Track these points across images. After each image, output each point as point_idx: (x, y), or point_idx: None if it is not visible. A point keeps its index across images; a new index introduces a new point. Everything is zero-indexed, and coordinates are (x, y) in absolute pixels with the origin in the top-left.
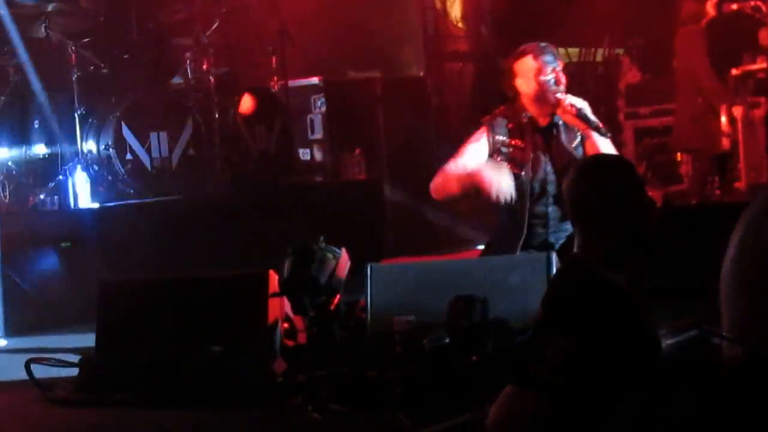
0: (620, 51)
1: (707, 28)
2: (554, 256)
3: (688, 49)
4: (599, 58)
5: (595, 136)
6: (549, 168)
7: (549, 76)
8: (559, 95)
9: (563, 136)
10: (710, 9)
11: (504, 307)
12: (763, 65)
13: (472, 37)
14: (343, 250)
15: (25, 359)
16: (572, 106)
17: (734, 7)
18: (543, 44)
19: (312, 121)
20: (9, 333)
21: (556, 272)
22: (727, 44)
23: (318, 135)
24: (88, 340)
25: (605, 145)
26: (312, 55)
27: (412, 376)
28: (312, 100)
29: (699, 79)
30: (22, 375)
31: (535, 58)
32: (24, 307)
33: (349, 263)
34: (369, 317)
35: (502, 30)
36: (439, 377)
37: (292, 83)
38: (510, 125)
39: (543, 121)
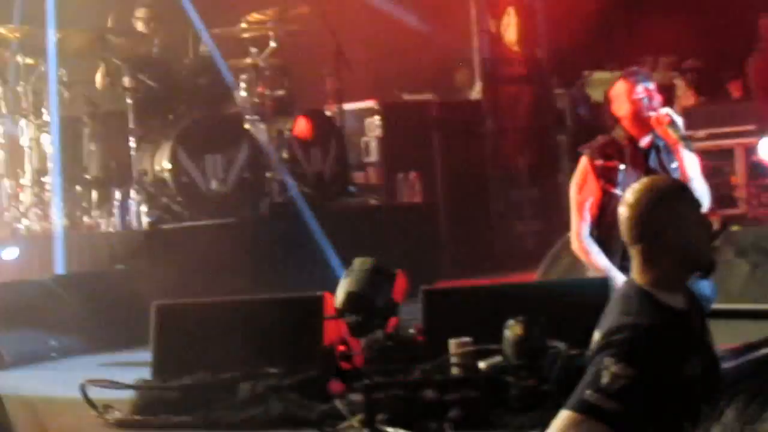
0: (675, 74)
1: None
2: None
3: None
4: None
5: (683, 151)
6: None
7: (641, 95)
8: (652, 112)
9: (663, 156)
10: None
11: (563, 330)
12: None
13: (528, 61)
14: (399, 272)
15: (81, 380)
16: (667, 115)
17: None
18: (634, 68)
19: (367, 143)
20: (63, 353)
21: (614, 296)
22: None
23: (373, 158)
24: (142, 362)
25: (692, 162)
26: (368, 78)
27: (469, 399)
28: (367, 123)
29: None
30: (77, 395)
31: (626, 79)
32: (81, 328)
33: (405, 286)
34: (425, 339)
35: (557, 53)
36: (496, 400)
37: (347, 106)
38: (610, 149)
39: (644, 143)
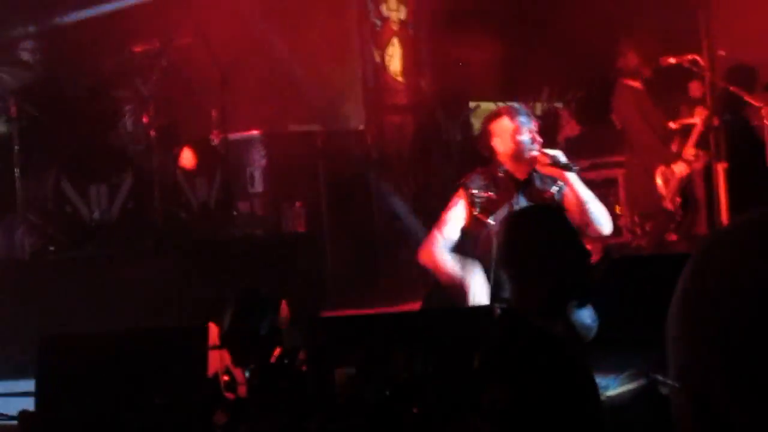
0: (559, 104)
1: (645, 84)
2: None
3: (625, 106)
4: (538, 111)
5: (573, 178)
6: None
7: (525, 136)
8: (534, 153)
9: (538, 185)
10: (647, 64)
11: (446, 358)
12: (701, 117)
13: (412, 91)
14: (284, 302)
15: None
16: (545, 155)
17: (672, 61)
18: (517, 105)
19: (252, 174)
20: None
21: (492, 321)
22: (663, 100)
23: (258, 188)
24: (27, 393)
25: (584, 188)
26: (252, 108)
27: (353, 427)
28: (252, 154)
29: (636, 137)
30: None
31: (512, 119)
32: None
33: (289, 315)
34: (310, 368)
35: (441, 83)
36: (380, 429)
37: (232, 136)
38: (485, 180)
39: (521, 176)
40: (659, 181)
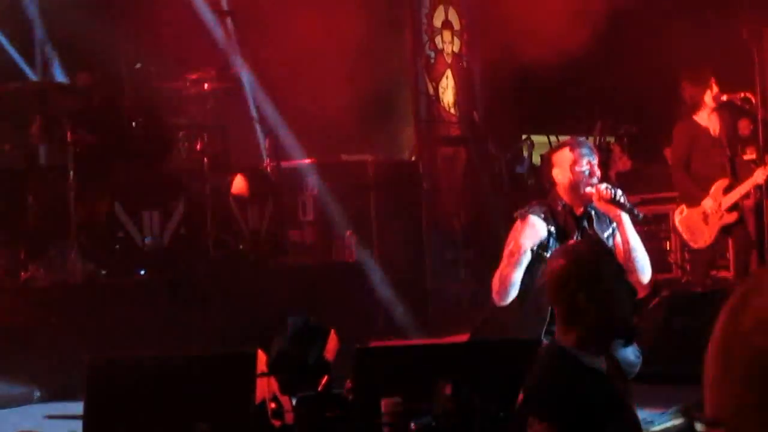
0: (611, 139)
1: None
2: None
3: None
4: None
5: (626, 220)
6: None
7: (584, 168)
8: (589, 189)
9: (596, 225)
10: (708, 101)
11: (492, 390)
12: (753, 155)
13: (464, 123)
14: (332, 331)
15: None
16: (608, 189)
17: (724, 98)
18: (582, 139)
19: (304, 202)
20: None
21: (537, 356)
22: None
23: (309, 216)
24: (74, 417)
25: (634, 234)
26: (305, 137)
27: None
28: (304, 182)
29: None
30: None
31: (572, 150)
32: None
33: (338, 344)
34: (356, 398)
35: (494, 116)
36: None
37: (285, 164)
38: (543, 213)
39: (578, 210)
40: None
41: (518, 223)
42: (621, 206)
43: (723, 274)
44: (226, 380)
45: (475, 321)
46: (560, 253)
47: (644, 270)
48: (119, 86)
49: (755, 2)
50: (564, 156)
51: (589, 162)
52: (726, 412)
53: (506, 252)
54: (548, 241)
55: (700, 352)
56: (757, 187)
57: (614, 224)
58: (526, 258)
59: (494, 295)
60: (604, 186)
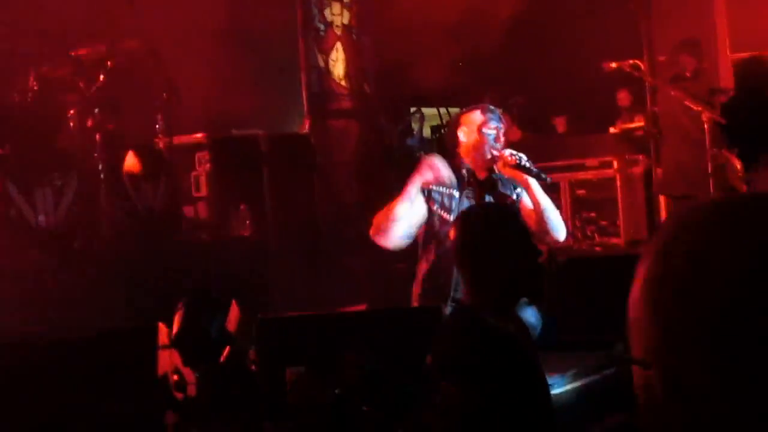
0: (500, 109)
1: None
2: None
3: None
4: None
5: (534, 184)
6: None
7: (491, 131)
8: (495, 151)
9: (500, 188)
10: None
11: (397, 357)
12: (641, 123)
13: (356, 96)
14: (233, 302)
15: None
16: (512, 156)
17: (613, 65)
18: (492, 107)
19: (197, 178)
20: None
21: (445, 319)
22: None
23: (203, 192)
24: None
25: (543, 195)
26: (196, 112)
27: (305, 427)
28: (197, 158)
29: None
30: None
31: (483, 113)
32: None
33: (239, 315)
34: (260, 368)
35: (384, 89)
36: (332, 428)
37: (177, 141)
38: (448, 178)
39: (481, 174)
40: None
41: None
42: (527, 171)
43: (613, 240)
44: (127, 354)
45: (369, 293)
46: (464, 216)
47: (558, 229)
48: (7, 62)
49: None
50: (474, 117)
51: (496, 128)
52: (657, 352)
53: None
54: (451, 204)
55: (598, 315)
56: (647, 155)
57: (518, 189)
58: (416, 193)
59: (373, 232)
60: (508, 152)
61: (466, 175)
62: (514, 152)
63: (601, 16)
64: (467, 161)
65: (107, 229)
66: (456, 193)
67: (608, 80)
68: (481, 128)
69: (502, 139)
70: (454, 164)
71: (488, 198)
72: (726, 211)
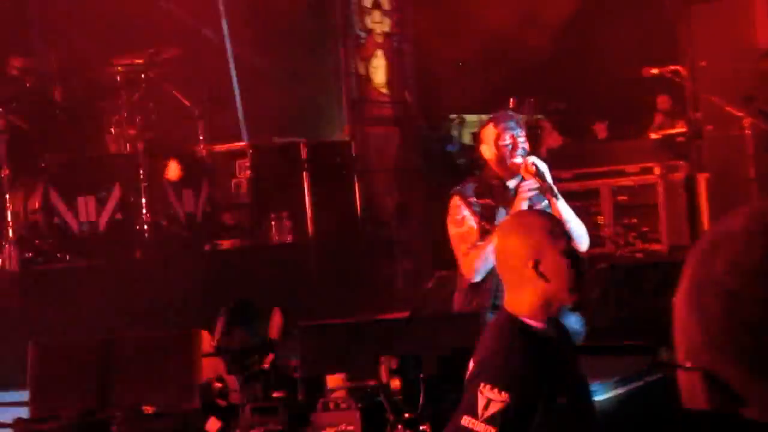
0: (541, 116)
1: None
2: (490, 315)
3: None
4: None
5: (552, 198)
6: None
7: (507, 141)
8: (516, 160)
9: (534, 198)
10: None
11: (438, 364)
12: (683, 129)
13: (396, 103)
14: (276, 310)
15: None
16: (533, 164)
17: (654, 71)
18: (506, 112)
19: (238, 185)
20: None
21: (487, 325)
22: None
23: (245, 199)
24: (20, 402)
25: (564, 206)
26: (238, 120)
27: None
28: (237, 165)
29: None
30: None
31: (496, 125)
32: None
33: (281, 323)
34: (302, 375)
35: (425, 96)
36: None
37: (218, 148)
38: (478, 188)
39: (513, 185)
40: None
41: (453, 199)
42: (540, 182)
43: (655, 246)
44: (171, 360)
45: (412, 297)
46: (508, 224)
47: (582, 239)
48: (52, 71)
49: None
50: (488, 132)
51: (512, 135)
52: (700, 356)
53: (454, 233)
54: (492, 214)
55: (638, 323)
56: (688, 161)
57: (548, 199)
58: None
59: (470, 273)
60: (530, 160)
61: (498, 184)
62: (535, 160)
63: (642, 22)
64: (498, 172)
65: (150, 236)
66: (492, 202)
67: (649, 85)
68: (497, 142)
69: (523, 144)
70: (488, 176)
71: (523, 205)
72: (765, 220)
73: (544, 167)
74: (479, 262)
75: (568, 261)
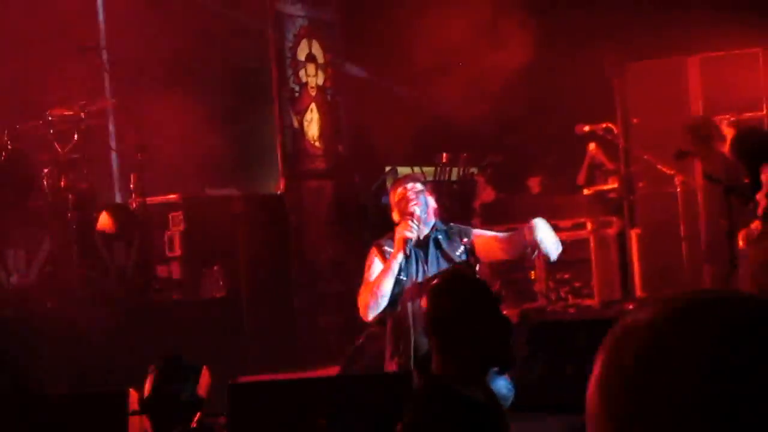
0: (475, 170)
1: None
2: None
3: None
4: (454, 176)
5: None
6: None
7: (401, 197)
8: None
9: (445, 246)
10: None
11: (365, 425)
12: (615, 185)
13: (329, 156)
14: (204, 368)
15: None
16: (413, 214)
17: (586, 129)
18: (411, 176)
19: (170, 238)
20: None
21: (415, 390)
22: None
23: (177, 252)
24: None
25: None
26: (170, 172)
27: None
28: (170, 218)
29: None
30: None
31: (395, 188)
32: None
33: (209, 380)
34: None
35: (358, 148)
36: None
37: (150, 200)
38: (394, 240)
39: (423, 236)
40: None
41: (371, 250)
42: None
43: (587, 301)
44: (98, 419)
45: (344, 352)
46: (434, 290)
47: (553, 248)
48: None
49: (617, 38)
50: (393, 196)
51: (407, 189)
52: None
53: (367, 275)
54: (401, 265)
55: (564, 381)
56: (620, 217)
57: (464, 244)
58: (397, 267)
59: (364, 310)
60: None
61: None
62: (412, 222)
63: (577, 78)
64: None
65: (80, 289)
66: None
67: (583, 141)
68: (399, 202)
69: (413, 198)
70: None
71: (436, 254)
72: (677, 312)
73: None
74: (368, 296)
75: (497, 321)
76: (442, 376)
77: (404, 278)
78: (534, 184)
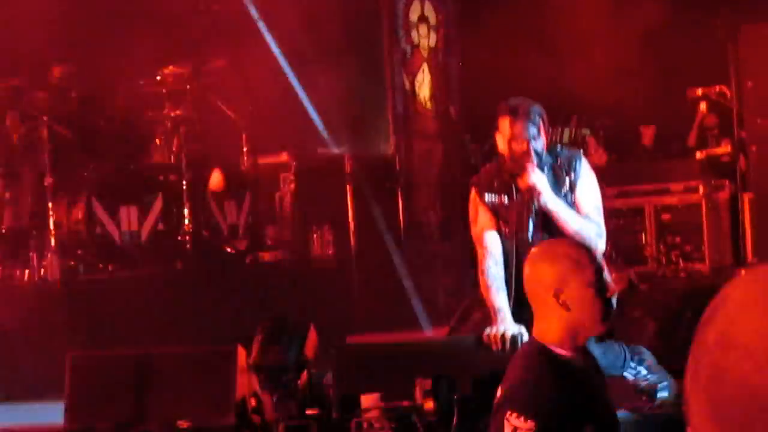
0: (587, 131)
1: None
2: (523, 335)
3: None
4: (566, 138)
5: (556, 209)
6: (532, 227)
7: (520, 146)
8: (530, 165)
9: (550, 181)
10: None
11: (471, 385)
12: (727, 149)
13: (441, 117)
14: (311, 327)
15: None
16: (530, 180)
17: (699, 92)
18: (527, 108)
19: (281, 198)
20: None
21: (516, 353)
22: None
23: (287, 211)
24: (56, 412)
25: (569, 218)
26: (282, 132)
27: None
28: (281, 177)
29: None
30: None
31: (511, 125)
32: None
33: (316, 341)
34: (336, 394)
35: (470, 108)
36: None
37: (262, 160)
38: (496, 183)
39: (522, 185)
40: None
41: (471, 193)
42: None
43: (697, 266)
44: (207, 376)
45: (452, 315)
46: (537, 252)
47: (593, 244)
48: (96, 81)
49: (731, 0)
50: (503, 126)
51: (526, 141)
52: (693, 418)
53: (473, 232)
54: (505, 213)
55: (675, 345)
56: (732, 181)
57: (564, 191)
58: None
59: (482, 289)
60: (531, 180)
61: (510, 181)
62: (535, 180)
63: (691, 40)
64: (511, 168)
65: (190, 247)
66: (506, 201)
67: (696, 105)
68: (511, 142)
69: (533, 151)
70: (501, 169)
71: (534, 205)
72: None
73: (540, 185)
74: (484, 292)
75: (593, 292)
76: (541, 340)
77: (509, 234)
78: (647, 133)
